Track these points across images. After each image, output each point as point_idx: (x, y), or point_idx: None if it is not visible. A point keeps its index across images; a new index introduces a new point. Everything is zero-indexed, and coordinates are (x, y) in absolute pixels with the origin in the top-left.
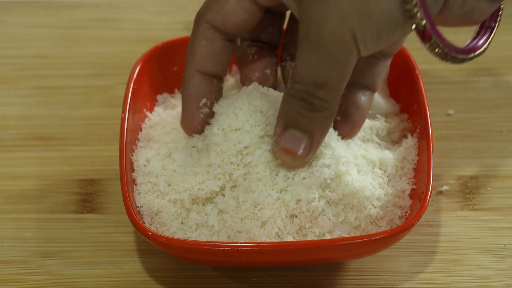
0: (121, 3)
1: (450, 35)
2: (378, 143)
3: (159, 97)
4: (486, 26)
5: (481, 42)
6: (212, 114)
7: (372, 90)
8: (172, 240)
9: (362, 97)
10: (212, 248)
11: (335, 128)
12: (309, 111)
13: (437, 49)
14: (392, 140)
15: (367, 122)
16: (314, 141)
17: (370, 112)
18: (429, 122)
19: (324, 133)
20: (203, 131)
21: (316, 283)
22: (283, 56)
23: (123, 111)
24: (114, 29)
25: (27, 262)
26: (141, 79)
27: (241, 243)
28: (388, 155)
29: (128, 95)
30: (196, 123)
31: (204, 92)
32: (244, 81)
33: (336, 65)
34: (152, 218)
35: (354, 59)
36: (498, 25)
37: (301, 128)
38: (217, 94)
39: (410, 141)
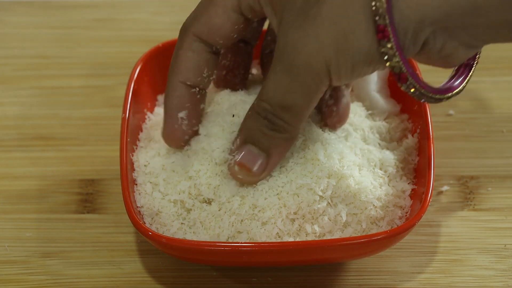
0: (121, 3)
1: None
2: (379, 143)
3: (159, 97)
4: (465, 65)
5: (458, 82)
6: (193, 126)
7: (347, 86)
8: (172, 240)
9: (345, 92)
10: (213, 248)
11: (324, 120)
12: (271, 130)
13: (413, 90)
14: (392, 140)
15: (367, 122)
16: (270, 161)
17: (370, 112)
18: (430, 122)
19: (281, 154)
20: (184, 144)
21: (316, 283)
22: (265, 51)
23: (124, 111)
24: (114, 29)
25: (27, 262)
26: (141, 79)
27: (241, 243)
28: (389, 155)
29: (129, 95)
30: (178, 135)
31: (187, 104)
32: (217, 80)
33: (305, 92)
34: (152, 218)
35: (324, 88)
36: (476, 65)
37: (259, 145)
38: (200, 107)
39: (410, 141)
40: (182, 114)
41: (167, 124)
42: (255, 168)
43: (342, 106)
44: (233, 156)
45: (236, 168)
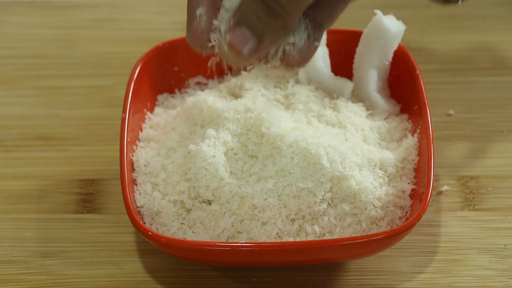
0: (121, 3)
1: None
2: (379, 143)
3: (159, 97)
4: None
5: None
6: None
7: (325, 27)
8: (172, 240)
9: (318, 35)
10: (212, 248)
11: (285, 58)
12: (266, 15)
13: None
14: (392, 140)
15: (367, 122)
16: (261, 45)
17: (370, 112)
18: (430, 122)
19: (273, 41)
20: (209, 41)
21: (316, 283)
22: None
23: (124, 111)
24: (114, 29)
25: (27, 262)
26: (141, 79)
27: (241, 243)
28: (389, 155)
29: (129, 95)
30: (198, 32)
31: (204, 0)
32: None
33: None
34: (152, 218)
35: None
36: None
37: (253, 29)
38: (220, 1)
39: (410, 141)
40: (199, 11)
41: (188, 24)
42: (245, 50)
43: (309, 46)
44: (224, 35)
45: (226, 48)
